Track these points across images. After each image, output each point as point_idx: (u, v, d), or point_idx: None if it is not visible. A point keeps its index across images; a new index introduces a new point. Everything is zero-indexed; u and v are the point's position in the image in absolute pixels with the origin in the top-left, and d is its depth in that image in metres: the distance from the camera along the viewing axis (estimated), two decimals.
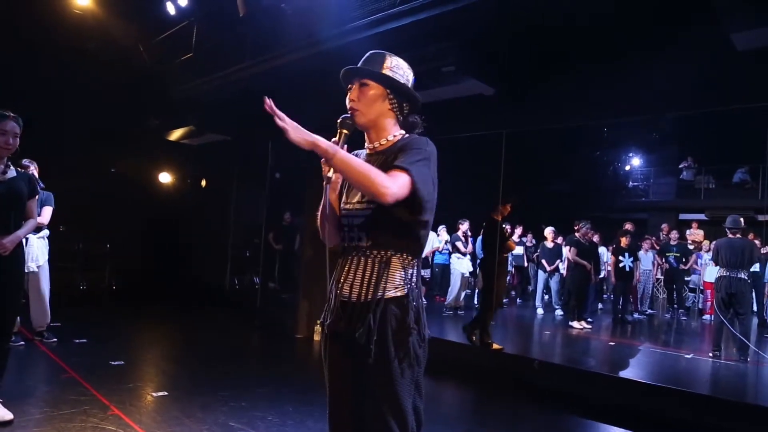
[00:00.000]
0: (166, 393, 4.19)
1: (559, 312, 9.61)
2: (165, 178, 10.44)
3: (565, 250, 9.29)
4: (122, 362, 5.00)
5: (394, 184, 1.71)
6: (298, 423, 3.74)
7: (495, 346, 6.09)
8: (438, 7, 4.56)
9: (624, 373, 5.68)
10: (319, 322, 6.67)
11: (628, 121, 9.49)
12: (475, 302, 10.06)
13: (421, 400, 1.84)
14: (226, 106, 8.22)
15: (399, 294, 1.82)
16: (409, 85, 1.96)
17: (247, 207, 10.01)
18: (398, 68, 1.94)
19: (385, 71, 1.92)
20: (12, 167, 3.39)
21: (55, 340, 5.51)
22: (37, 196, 3.59)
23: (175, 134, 9.55)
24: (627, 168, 16.43)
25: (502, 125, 5.86)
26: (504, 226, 6.68)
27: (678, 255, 9.99)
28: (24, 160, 4.70)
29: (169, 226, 10.17)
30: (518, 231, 10.56)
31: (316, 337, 6.66)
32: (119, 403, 3.84)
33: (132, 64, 8.60)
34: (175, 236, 10.26)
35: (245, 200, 10.05)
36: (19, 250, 3.40)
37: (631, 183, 16.55)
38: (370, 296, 1.82)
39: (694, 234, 10.91)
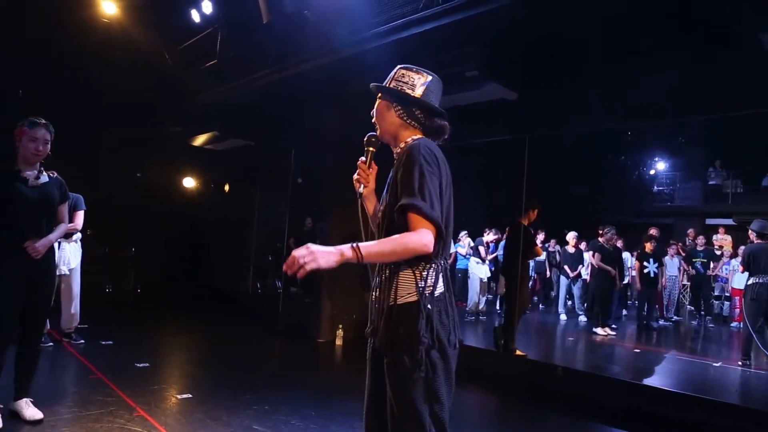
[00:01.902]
0: (190, 395, 4.24)
1: (582, 318, 9.50)
2: (189, 183, 10.59)
3: (588, 256, 9.19)
4: (147, 364, 5.07)
5: (425, 237, 1.74)
6: (321, 427, 3.75)
7: (518, 352, 6.04)
8: (460, 12, 4.55)
9: (649, 381, 5.58)
10: (341, 326, 6.71)
11: (653, 125, 9.38)
12: (498, 308, 10.01)
13: (440, 406, 1.81)
14: (249, 111, 8.32)
15: (410, 300, 1.82)
16: (416, 92, 1.97)
17: (269, 212, 10.10)
18: (404, 77, 2.00)
19: (391, 84, 2.01)
20: (44, 173, 3.47)
21: (83, 341, 5.61)
22: (67, 201, 3.66)
23: (199, 140, 9.68)
24: (652, 172, 16.20)
25: (526, 130, 5.81)
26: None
27: (705, 261, 9.80)
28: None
29: (193, 231, 10.29)
30: (540, 236, 10.48)
31: (338, 342, 6.68)
32: (144, 405, 3.90)
33: (157, 72, 8.74)
34: (199, 240, 10.38)
35: (268, 205, 10.14)
36: (50, 254, 3.48)
37: (656, 187, 16.32)
38: (386, 302, 1.86)
39: (722, 239, 10.68)
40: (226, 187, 10.76)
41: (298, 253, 1.68)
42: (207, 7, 7.68)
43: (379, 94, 2.05)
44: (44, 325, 3.86)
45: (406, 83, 1.99)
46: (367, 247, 1.73)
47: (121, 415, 3.67)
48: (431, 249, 1.76)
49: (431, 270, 1.86)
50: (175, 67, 8.73)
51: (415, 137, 1.98)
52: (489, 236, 9.29)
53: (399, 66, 2.04)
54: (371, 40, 5.29)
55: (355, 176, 2.05)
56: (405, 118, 2.00)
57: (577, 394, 5.02)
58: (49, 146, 3.40)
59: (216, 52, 7.91)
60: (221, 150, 10.02)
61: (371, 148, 2.04)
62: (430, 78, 2.02)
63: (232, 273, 10.17)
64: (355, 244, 1.73)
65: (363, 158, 2.04)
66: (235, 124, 8.85)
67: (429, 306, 1.82)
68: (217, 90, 7.84)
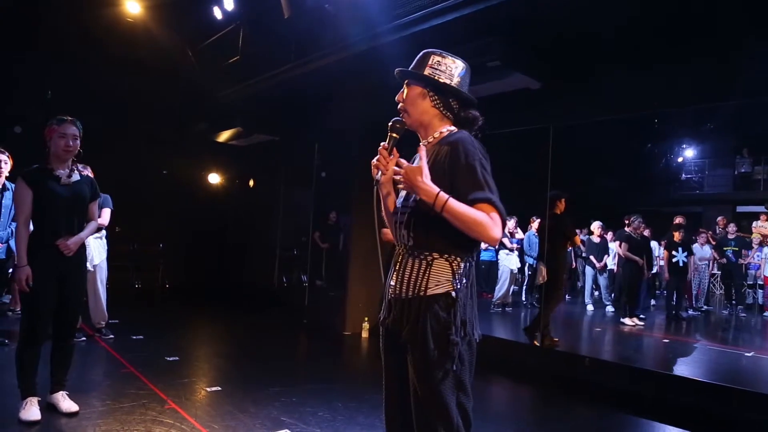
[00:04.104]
0: (219, 388, 4.31)
1: (609, 308, 9.39)
2: (214, 178, 10.71)
3: (615, 245, 9.07)
4: (177, 358, 5.17)
5: (498, 228, 1.75)
6: (348, 419, 3.78)
7: (554, 339, 6.02)
8: (482, 2, 4.51)
9: (679, 371, 5.50)
10: (366, 319, 6.73)
11: (679, 112, 9.17)
12: (523, 298, 9.94)
13: (466, 397, 1.82)
14: (272, 107, 8.38)
15: (441, 291, 1.81)
16: (453, 81, 1.93)
17: (294, 206, 10.18)
18: (440, 65, 1.93)
19: (426, 70, 1.93)
20: (76, 171, 3.55)
21: (113, 336, 5.74)
22: (98, 199, 3.74)
23: (223, 136, 9.78)
24: (680, 160, 15.85)
25: (550, 119, 5.74)
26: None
27: (736, 249, 9.59)
28: (78, 165, 4.90)
29: (219, 226, 10.44)
30: None
31: (364, 334, 6.72)
32: (175, 397, 3.98)
33: (181, 70, 8.85)
34: (225, 235, 10.52)
35: (292, 199, 10.22)
36: (82, 251, 3.56)
37: (684, 175, 15.97)
38: (411, 293, 1.84)
39: (762, 227, 10.37)
40: (251, 183, 10.86)
41: (408, 168, 1.80)
42: (229, 4, 7.73)
43: (406, 81, 1.99)
44: (77, 320, 3.94)
45: (443, 72, 1.92)
46: (455, 202, 1.74)
47: (153, 407, 3.75)
48: (496, 240, 1.75)
49: (466, 263, 1.86)
50: (199, 64, 8.83)
51: (450, 128, 1.96)
52: (511, 223, 9.22)
53: (428, 51, 1.97)
54: (392, 32, 5.28)
55: (374, 161, 1.95)
56: (441, 108, 1.96)
57: (605, 385, 4.97)
58: (78, 142, 3.47)
59: (238, 49, 7.97)
60: (245, 146, 10.12)
61: (395, 134, 1.95)
62: (463, 66, 1.97)
63: (257, 267, 10.29)
64: (444, 195, 1.74)
65: (385, 143, 1.94)
66: (258, 120, 8.92)
67: (461, 298, 1.81)
68: (240, 86, 7.91)
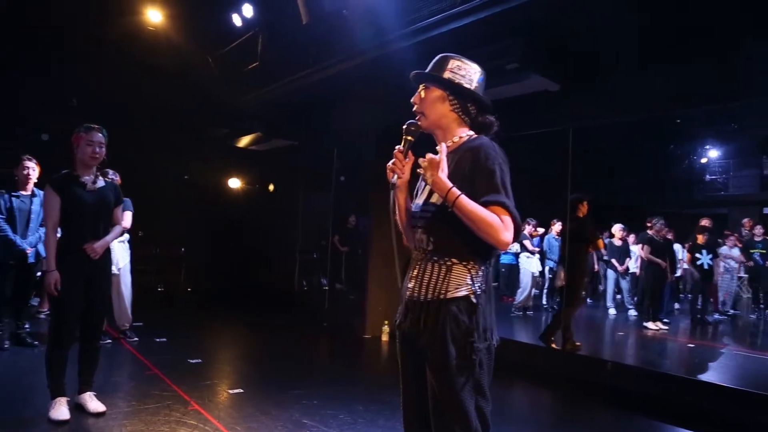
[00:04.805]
0: (241, 390, 4.36)
1: (632, 312, 9.27)
2: (234, 183, 10.83)
3: (637, 248, 8.95)
4: (199, 360, 5.24)
5: (509, 232, 1.76)
6: (369, 422, 3.80)
7: (576, 344, 5.96)
8: (499, 4, 4.51)
9: (705, 377, 5.41)
10: (386, 322, 6.75)
11: (703, 111, 9.05)
12: (544, 302, 9.86)
13: (485, 401, 1.82)
14: (291, 112, 8.45)
15: (461, 295, 1.81)
16: (472, 86, 1.94)
17: (313, 210, 10.24)
18: (460, 69, 1.94)
19: (446, 74, 1.93)
20: (101, 177, 3.64)
21: (137, 339, 5.83)
22: (121, 204, 3.82)
23: (243, 141, 9.88)
24: (703, 160, 15.57)
25: (569, 121, 5.71)
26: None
27: (764, 251, 9.39)
28: (108, 171, 5.00)
29: (239, 230, 10.54)
30: None
31: (384, 338, 6.73)
32: (198, 399, 4.04)
33: (201, 76, 8.98)
34: (244, 239, 10.62)
35: (312, 203, 10.29)
36: (107, 255, 3.65)
37: (708, 176, 15.68)
38: (431, 296, 1.84)
39: None
40: (271, 187, 10.96)
41: (429, 159, 1.82)
42: (248, 11, 7.83)
43: (424, 84, 1.98)
44: (103, 323, 4.03)
45: (463, 76, 1.93)
46: (466, 199, 1.75)
47: (177, 408, 3.81)
48: (507, 245, 1.76)
49: (483, 269, 1.87)
50: (219, 71, 8.94)
51: (469, 133, 1.97)
52: (530, 226, 9.16)
53: (447, 55, 1.97)
54: (410, 36, 5.30)
55: (390, 165, 1.93)
56: (459, 112, 1.96)
57: (628, 389, 4.91)
58: (104, 149, 3.56)
59: (257, 55, 8.06)
60: (265, 150, 10.21)
61: (410, 137, 1.94)
62: (481, 71, 1.98)
63: (277, 270, 10.37)
64: (457, 191, 1.76)
65: (400, 146, 1.93)
66: (278, 125, 9.00)
67: (482, 302, 1.82)
68: (259, 92, 7.99)
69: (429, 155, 1.84)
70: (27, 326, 5.45)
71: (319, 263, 10.53)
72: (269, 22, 7.76)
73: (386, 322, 6.76)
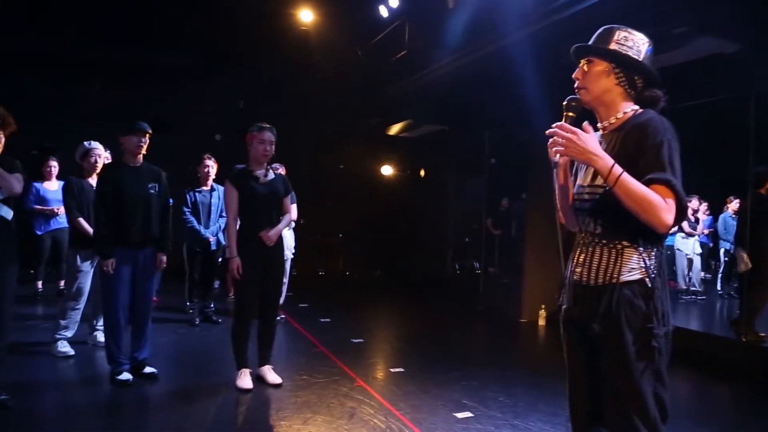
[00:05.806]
0: (402, 369, 4.53)
1: None
2: (387, 170, 11.18)
3: None
4: (362, 340, 5.54)
5: (671, 214, 1.64)
6: (529, 405, 3.75)
7: (760, 334, 5.34)
8: None
9: None
10: (543, 306, 6.56)
11: None
12: (719, 287, 8.89)
13: (664, 389, 1.72)
14: (440, 97, 8.49)
15: (635, 278, 1.72)
16: (641, 57, 1.81)
17: (465, 194, 10.24)
18: (627, 41, 1.81)
19: (612, 46, 1.81)
20: (271, 170, 3.99)
21: (283, 316, 6.13)
22: (290, 194, 4.17)
23: (394, 129, 10.15)
24: None
25: (751, 85, 5.03)
26: None
27: None
28: (274, 164, 5.45)
29: (392, 216, 10.88)
30: None
31: (541, 322, 6.55)
32: (363, 376, 4.28)
33: (351, 68, 9.36)
34: (399, 225, 10.94)
35: (463, 187, 10.28)
36: (280, 241, 4.01)
37: None
38: (601, 280, 1.77)
39: None
40: (422, 173, 11.14)
41: (564, 131, 1.72)
42: (393, 2, 8.00)
43: (586, 58, 1.87)
44: (279, 301, 4.44)
45: (631, 47, 1.80)
46: (627, 177, 1.65)
47: (344, 383, 4.08)
48: (668, 227, 1.65)
49: (656, 251, 1.76)
50: (368, 62, 9.25)
51: (635, 107, 1.84)
52: (692, 203, 8.27)
53: (612, 26, 1.85)
54: (563, 8, 5.02)
55: (551, 141, 1.79)
56: (625, 86, 1.84)
57: None
58: (274, 147, 3.90)
59: (405, 44, 8.20)
60: (416, 137, 10.40)
61: (571, 113, 1.84)
62: (649, 42, 1.83)
63: (431, 255, 10.54)
64: (619, 168, 1.65)
65: (561, 123, 1.80)
66: (427, 111, 9.13)
67: (657, 286, 1.72)
68: (408, 79, 8.14)
69: (576, 130, 1.72)
70: (212, 306, 6.15)
71: (472, 247, 10.51)
72: (415, 10, 7.85)
73: (543, 306, 6.58)
